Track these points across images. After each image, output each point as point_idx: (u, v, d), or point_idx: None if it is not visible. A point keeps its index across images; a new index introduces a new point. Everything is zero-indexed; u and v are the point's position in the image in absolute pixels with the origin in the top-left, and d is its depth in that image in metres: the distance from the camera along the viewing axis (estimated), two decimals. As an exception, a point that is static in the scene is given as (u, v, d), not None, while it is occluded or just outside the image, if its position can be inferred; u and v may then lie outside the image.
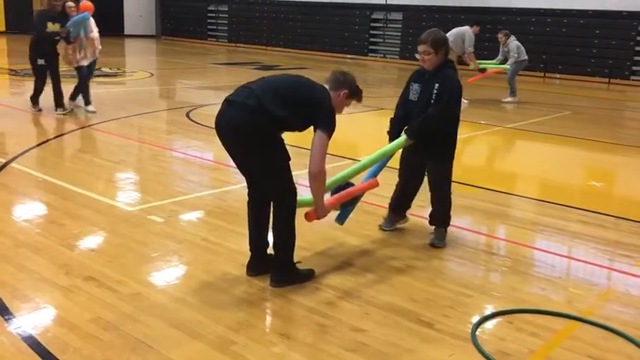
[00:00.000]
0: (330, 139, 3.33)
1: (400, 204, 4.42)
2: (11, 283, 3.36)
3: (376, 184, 4.06)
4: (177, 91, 12.38)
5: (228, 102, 3.31)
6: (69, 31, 7.82)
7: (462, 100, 4.93)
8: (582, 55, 16.72)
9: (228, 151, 3.44)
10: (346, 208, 3.87)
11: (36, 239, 3.99)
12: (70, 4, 8.15)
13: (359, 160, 4.57)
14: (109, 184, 5.42)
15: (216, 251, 3.93)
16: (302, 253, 3.81)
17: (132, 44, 24.05)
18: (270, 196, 3.47)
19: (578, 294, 3.63)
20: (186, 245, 4.01)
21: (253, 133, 3.22)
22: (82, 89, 8.43)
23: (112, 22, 26.11)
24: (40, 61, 7.92)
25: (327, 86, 3.49)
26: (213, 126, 3.39)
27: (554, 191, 6.01)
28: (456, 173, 4.30)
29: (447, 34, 12.61)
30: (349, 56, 20.57)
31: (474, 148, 8.07)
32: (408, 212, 4.51)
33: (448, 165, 4.16)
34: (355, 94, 3.56)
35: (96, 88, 11.44)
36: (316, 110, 3.32)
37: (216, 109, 3.39)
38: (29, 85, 11.85)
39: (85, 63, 8.28)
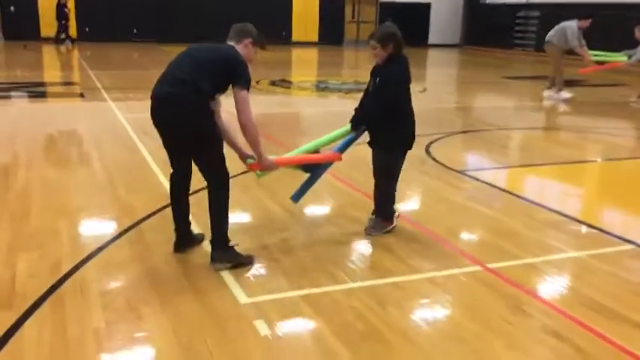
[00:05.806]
0: (249, 90, 3.50)
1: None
2: None
3: (339, 157, 4.28)
4: (440, 112, 10.45)
5: (156, 97, 3.49)
6: None
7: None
8: None
9: (164, 138, 3.64)
10: (303, 186, 4.19)
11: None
12: None
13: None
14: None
15: None
16: None
17: (431, 55, 23.12)
18: (206, 175, 3.64)
19: None
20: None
21: (191, 115, 3.41)
22: None
23: (417, 33, 25.54)
24: None
25: (231, 43, 3.66)
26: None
27: None
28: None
29: (551, 31, 11.15)
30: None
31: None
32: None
33: (391, 154, 4.27)
34: (259, 40, 3.73)
35: (337, 106, 10.45)
36: (233, 70, 3.49)
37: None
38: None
39: None
